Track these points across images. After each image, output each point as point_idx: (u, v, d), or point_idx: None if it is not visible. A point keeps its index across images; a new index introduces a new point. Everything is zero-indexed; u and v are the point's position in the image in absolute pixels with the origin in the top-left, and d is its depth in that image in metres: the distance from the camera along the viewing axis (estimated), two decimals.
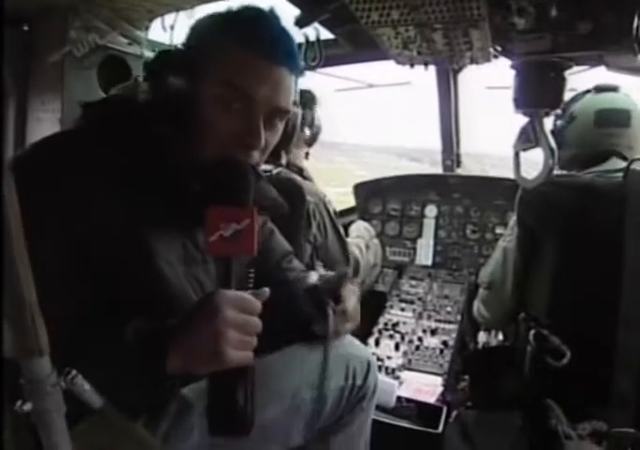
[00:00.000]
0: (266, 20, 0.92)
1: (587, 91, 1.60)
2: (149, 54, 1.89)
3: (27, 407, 0.60)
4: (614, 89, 1.57)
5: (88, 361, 0.68)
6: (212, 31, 0.92)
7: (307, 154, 2.07)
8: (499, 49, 1.07)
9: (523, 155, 1.20)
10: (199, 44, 0.92)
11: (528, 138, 1.11)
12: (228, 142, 0.89)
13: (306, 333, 1.04)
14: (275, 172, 1.79)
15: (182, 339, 0.75)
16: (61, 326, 0.63)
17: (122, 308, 0.80)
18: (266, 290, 0.82)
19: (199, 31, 0.95)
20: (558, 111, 1.04)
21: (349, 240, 2.29)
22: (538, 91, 1.04)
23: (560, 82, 1.02)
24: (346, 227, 2.63)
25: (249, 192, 0.85)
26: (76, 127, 0.95)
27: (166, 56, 0.91)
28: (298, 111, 1.08)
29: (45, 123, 1.78)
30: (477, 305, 1.78)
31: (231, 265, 0.80)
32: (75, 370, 0.65)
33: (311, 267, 2.05)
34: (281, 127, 0.98)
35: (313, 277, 1.14)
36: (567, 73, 1.03)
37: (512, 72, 1.16)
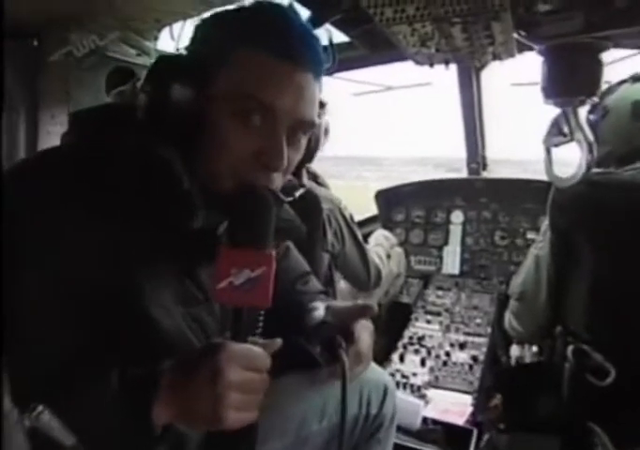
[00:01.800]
0: (285, 16, 0.78)
1: (623, 81, 1.47)
2: None
3: None
4: None
5: (64, 405, 0.61)
6: (222, 31, 0.78)
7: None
8: (523, 34, 0.96)
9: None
10: (207, 47, 0.78)
11: (561, 131, 0.99)
12: (245, 163, 0.76)
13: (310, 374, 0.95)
14: (298, 194, 1.70)
15: (176, 391, 0.66)
16: (38, 365, 0.59)
17: (110, 353, 0.71)
18: (279, 340, 0.73)
19: (206, 32, 0.81)
20: (596, 98, 0.92)
21: (368, 248, 2.20)
22: (571, 77, 0.92)
23: (596, 66, 0.90)
24: (368, 236, 2.54)
25: (268, 231, 0.74)
26: (62, 146, 0.83)
27: (168, 62, 0.77)
28: (322, 121, 0.96)
29: (55, 136, 1.77)
30: (508, 317, 1.66)
31: (241, 316, 0.72)
32: (42, 406, 0.58)
33: (329, 278, 1.97)
34: (304, 142, 0.84)
35: (320, 311, 1.00)
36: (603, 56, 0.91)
37: (540, 60, 1.05)
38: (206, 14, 1.56)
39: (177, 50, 1.81)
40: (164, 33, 1.89)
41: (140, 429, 0.65)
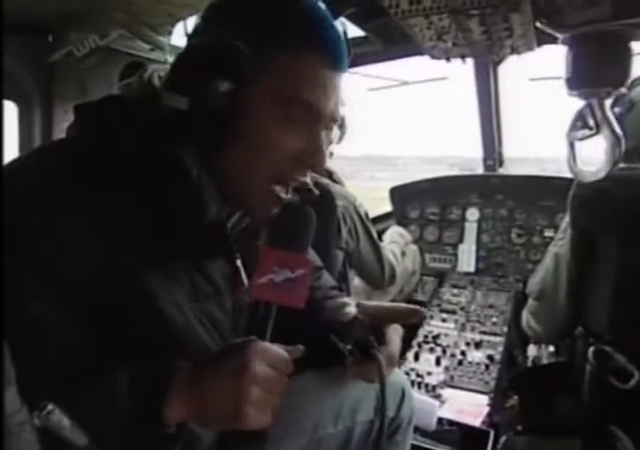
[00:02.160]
0: (322, 14, 0.75)
1: None
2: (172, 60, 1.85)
3: None
4: None
5: (75, 404, 0.59)
6: (260, 24, 0.73)
7: (331, 153, 1.97)
8: (545, 22, 0.92)
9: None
10: (240, 40, 0.71)
11: (586, 124, 0.95)
12: (285, 163, 0.77)
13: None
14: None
15: (197, 388, 0.66)
16: (49, 365, 0.59)
17: (120, 349, 0.70)
18: (301, 347, 0.74)
19: (236, 21, 0.74)
20: (624, 90, 0.87)
21: (383, 245, 2.17)
22: (598, 67, 0.88)
23: (625, 55, 0.86)
24: (382, 233, 2.52)
25: (308, 239, 0.78)
26: (69, 137, 0.82)
27: (199, 58, 0.71)
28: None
29: None
30: (526, 316, 1.62)
31: (271, 313, 0.74)
32: (51, 405, 0.57)
33: (344, 275, 1.95)
34: (331, 134, 0.89)
35: (352, 308, 0.98)
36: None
37: (561, 59, 1.01)
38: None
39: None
40: (178, 28, 1.89)
41: (151, 427, 0.64)
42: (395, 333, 0.95)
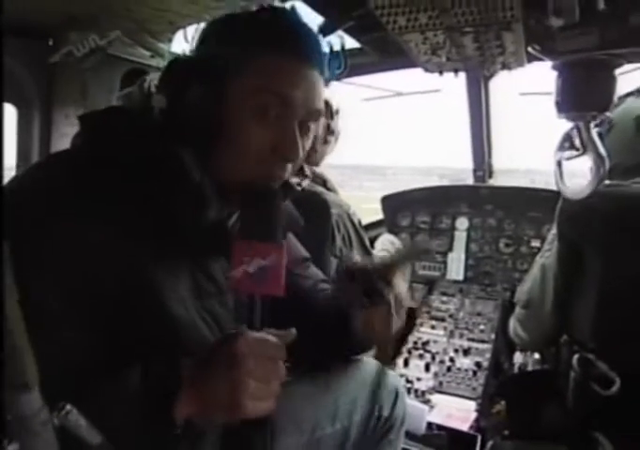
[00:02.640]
0: (292, 20, 0.85)
1: (629, 94, 1.48)
2: None
3: (13, 447, 0.54)
4: None
5: (88, 404, 0.62)
6: (236, 34, 0.83)
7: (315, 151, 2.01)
8: (537, 48, 0.98)
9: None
10: (221, 49, 0.81)
11: (573, 145, 1.01)
12: (264, 157, 0.81)
13: (346, 327, 0.95)
14: (304, 184, 1.73)
15: (196, 384, 0.68)
16: (61, 366, 0.59)
17: (129, 349, 0.73)
18: (293, 330, 0.75)
19: (219, 35, 0.85)
20: (608, 114, 0.93)
21: (374, 253, 2.21)
22: (584, 93, 0.94)
23: (610, 82, 0.92)
24: (373, 240, 2.55)
25: (278, 224, 0.78)
26: (75, 146, 0.85)
27: (184, 64, 0.81)
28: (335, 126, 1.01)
29: (68, 138, 1.78)
30: (513, 324, 1.67)
31: (255, 304, 0.74)
32: (69, 405, 0.60)
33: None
34: (313, 130, 0.90)
35: (357, 258, 1.02)
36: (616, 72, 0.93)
37: (551, 77, 1.06)
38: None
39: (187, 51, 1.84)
40: (178, 35, 1.92)
41: (163, 425, 0.66)
42: (400, 280, 0.97)
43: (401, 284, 0.96)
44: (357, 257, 1.00)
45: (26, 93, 1.78)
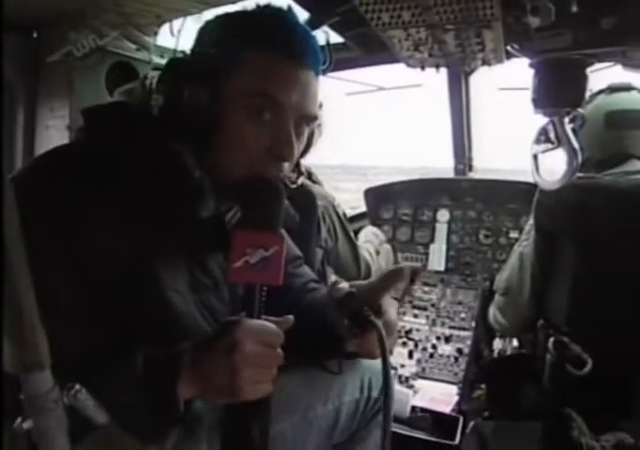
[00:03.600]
0: (289, 21, 0.85)
1: (601, 91, 1.55)
2: (157, 60, 1.88)
3: (27, 424, 0.57)
4: (627, 88, 1.52)
5: (95, 385, 0.65)
6: (232, 34, 0.84)
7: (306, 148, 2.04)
8: (516, 47, 1.03)
9: None
10: (218, 50, 0.82)
11: (549, 139, 1.07)
12: (258, 156, 0.82)
13: (337, 352, 0.96)
14: (300, 182, 1.75)
15: (196, 367, 0.71)
16: (66, 351, 0.61)
17: (130, 337, 0.76)
18: (290, 317, 0.78)
19: (216, 35, 0.86)
20: (580, 110, 0.99)
21: (359, 244, 2.26)
22: (558, 90, 0.99)
23: (582, 80, 0.98)
24: (357, 232, 2.60)
25: (280, 216, 0.80)
26: (79, 140, 0.88)
27: (182, 64, 0.82)
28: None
29: (53, 130, 1.78)
30: (493, 311, 1.74)
31: (254, 293, 0.75)
32: (78, 385, 0.63)
33: (322, 273, 2.02)
34: (306, 133, 0.91)
35: (345, 284, 1.01)
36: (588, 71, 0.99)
37: (529, 73, 1.12)
38: (207, 13, 1.59)
39: (182, 48, 1.84)
40: (164, 28, 1.92)
41: (166, 406, 0.70)
42: (390, 304, 0.97)
43: (390, 312, 0.96)
44: (343, 284, 1.01)
45: (11, 86, 1.77)
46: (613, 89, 1.53)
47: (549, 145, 1.07)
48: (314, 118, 0.88)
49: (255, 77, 0.80)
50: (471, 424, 1.52)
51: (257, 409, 0.73)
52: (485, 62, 1.68)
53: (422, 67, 1.95)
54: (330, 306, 0.96)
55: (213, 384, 0.71)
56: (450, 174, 2.87)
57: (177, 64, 0.83)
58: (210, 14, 1.35)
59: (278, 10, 0.86)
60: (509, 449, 1.37)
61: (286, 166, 0.87)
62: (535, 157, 1.13)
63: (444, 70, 2.48)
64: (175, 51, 1.84)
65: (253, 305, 0.76)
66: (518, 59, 1.75)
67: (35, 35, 1.79)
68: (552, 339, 1.40)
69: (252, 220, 0.78)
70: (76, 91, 1.72)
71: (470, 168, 2.84)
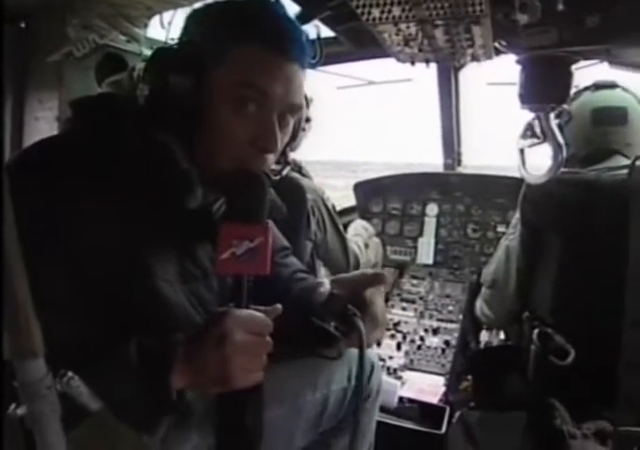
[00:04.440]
0: (276, 12, 0.86)
1: (586, 88, 1.58)
2: (148, 52, 1.87)
3: (21, 410, 0.58)
4: (612, 86, 1.55)
5: (89, 375, 0.66)
6: (218, 25, 0.84)
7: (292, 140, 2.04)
8: (504, 43, 1.05)
9: None
10: (204, 41, 0.83)
11: (534, 134, 1.09)
12: (242, 147, 0.83)
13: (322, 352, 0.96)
14: (285, 173, 1.76)
15: (189, 358, 0.73)
16: (60, 341, 0.61)
17: (122, 327, 0.76)
18: (278, 306, 0.79)
19: (202, 26, 0.87)
20: (565, 106, 1.02)
21: (348, 237, 2.28)
22: (544, 86, 1.02)
23: (567, 77, 1.01)
24: (346, 226, 2.61)
25: (264, 208, 0.81)
26: (67, 131, 0.88)
27: (168, 54, 0.83)
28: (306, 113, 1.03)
29: (42, 121, 1.77)
30: (479, 304, 1.77)
31: (242, 284, 0.77)
32: (71, 372, 0.64)
33: (311, 266, 2.04)
34: (292, 124, 0.92)
35: (326, 285, 1.00)
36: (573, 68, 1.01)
37: (516, 68, 1.14)
38: (198, 5, 1.59)
39: (172, 39, 1.83)
40: (154, 20, 1.91)
41: (159, 396, 0.71)
42: (375, 295, 0.96)
43: (375, 303, 0.95)
44: (325, 283, 1.00)
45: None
46: (598, 86, 1.56)
47: (535, 140, 1.10)
48: (299, 107, 0.90)
49: (240, 68, 0.81)
50: (457, 414, 1.55)
51: (249, 396, 0.75)
52: (474, 58, 1.70)
53: (412, 63, 1.96)
54: (315, 312, 0.96)
55: (205, 374, 0.72)
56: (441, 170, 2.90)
57: (163, 54, 0.84)
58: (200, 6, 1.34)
59: (265, 2, 0.86)
60: (493, 438, 1.40)
61: (271, 158, 0.88)
62: (521, 151, 1.15)
63: (434, 66, 2.51)
64: (165, 43, 1.83)
65: (241, 295, 0.77)
66: (507, 56, 1.77)
67: (23, 25, 1.77)
68: (536, 331, 1.43)
69: (237, 213, 0.79)
70: (65, 82, 1.71)
71: (459, 163, 2.86)
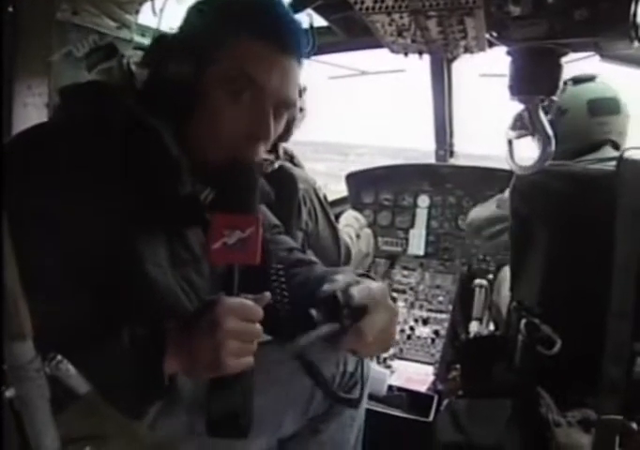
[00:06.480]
0: (275, 6, 0.87)
1: (565, 83, 1.60)
2: (139, 39, 1.86)
3: (10, 393, 0.59)
4: (592, 79, 1.58)
5: (80, 360, 0.67)
6: (218, 16, 0.85)
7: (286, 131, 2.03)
8: (495, 35, 1.05)
9: None
10: (203, 30, 0.85)
11: (523, 125, 1.10)
12: (235, 137, 0.85)
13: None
14: (277, 165, 1.76)
15: (181, 344, 0.74)
16: (49, 326, 0.61)
17: (112, 311, 0.76)
18: (267, 294, 0.80)
19: (202, 15, 0.88)
20: (555, 98, 1.03)
21: (339, 228, 2.28)
22: (534, 78, 1.03)
23: (556, 69, 1.02)
24: (338, 217, 2.62)
25: (255, 198, 0.82)
26: (56, 118, 0.89)
27: (168, 42, 0.84)
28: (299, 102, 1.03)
29: (32, 108, 1.75)
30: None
31: (234, 273, 0.78)
32: (60, 356, 0.64)
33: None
34: (285, 118, 0.93)
35: (334, 285, 0.88)
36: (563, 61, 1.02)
37: (508, 59, 1.14)
38: None
39: (159, 26, 1.81)
40: (146, 7, 1.89)
41: (151, 382, 0.72)
42: (377, 309, 0.85)
43: (373, 319, 0.84)
44: (333, 286, 0.88)
45: None
46: (577, 80, 1.58)
47: (523, 131, 1.11)
48: (293, 104, 0.91)
49: (237, 59, 0.82)
50: (445, 402, 1.58)
51: (239, 381, 0.76)
52: (467, 49, 1.69)
53: (405, 53, 1.95)
54: (314, 304, 0.88)
55: (197, 360, 0.74)
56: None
57: (164, 40, 0.85)
58: None
59: None
60: (480, 425, 1.43)
61: (262, 148, 0.89)
62: (510, 142, 1.16)
63: (427, 57, 2.50)
64: (157, 30, 1.81)
65: (233, 283, 0.78)
66: (499, 48, 1.77)
67: (11, 9, 1.74)
68: (524, 321, 1.45)
69: (229, 202, 0.80)
70: (55, 68, 1.69)
71: (452, 154, 2.87)
